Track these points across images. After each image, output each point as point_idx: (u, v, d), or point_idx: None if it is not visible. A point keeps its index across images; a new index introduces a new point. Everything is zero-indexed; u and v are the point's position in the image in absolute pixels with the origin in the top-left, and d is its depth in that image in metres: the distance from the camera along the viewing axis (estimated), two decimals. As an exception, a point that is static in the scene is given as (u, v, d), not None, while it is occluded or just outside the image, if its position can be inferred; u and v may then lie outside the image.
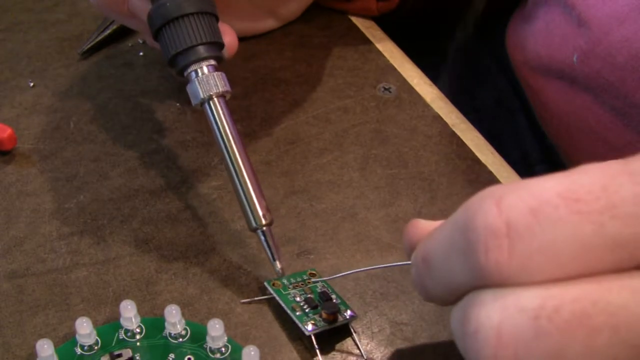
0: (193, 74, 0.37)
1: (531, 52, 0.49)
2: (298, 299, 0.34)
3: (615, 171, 0.24)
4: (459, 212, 0.25)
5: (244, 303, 0.35)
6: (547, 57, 0.47)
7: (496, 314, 0.23)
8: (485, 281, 0.24)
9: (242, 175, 0.35)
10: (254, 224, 0.35)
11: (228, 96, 0.37)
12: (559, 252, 0.23)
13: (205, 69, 0.37)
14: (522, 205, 0.23)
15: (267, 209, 0.35)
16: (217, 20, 0.38)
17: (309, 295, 0.34)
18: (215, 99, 0.36)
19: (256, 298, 0.35)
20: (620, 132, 0.43)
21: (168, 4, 0.37)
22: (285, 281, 0.35)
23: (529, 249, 0.23)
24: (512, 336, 0.23)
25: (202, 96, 0.36)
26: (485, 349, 0.23)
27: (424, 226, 0.30)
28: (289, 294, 0.34)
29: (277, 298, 0.34)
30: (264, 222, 0.35)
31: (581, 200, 0.23)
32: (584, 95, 0.44)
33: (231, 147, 0.36)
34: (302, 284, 0.35)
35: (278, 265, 0.35)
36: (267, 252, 0.35)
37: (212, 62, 0.37)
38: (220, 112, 0.36)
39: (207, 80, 0.36)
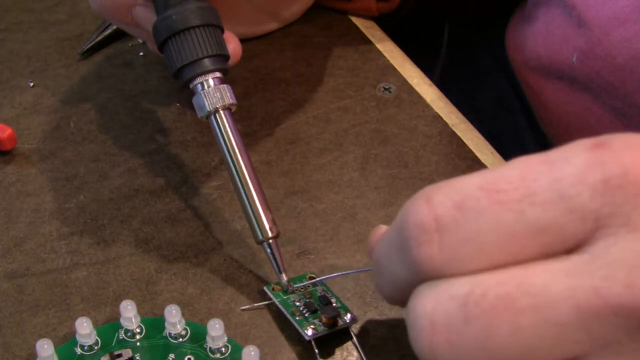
0: (199, 86, 0.37)
1: (531, 52, 0.49)
2: (298, 303, 0.34)
3: (535, 161, 0.25)
4: (399, 213, 0.26)
5: (244, 310, 0.35)
6: (547, 58, 0.47)
7: (430, 303, 0.25)
8: (421, 275, 0.25)
9: (249, 188, 0.35)
10: (260, 237, 0.35)
11: (234, 108, 0.37)
12: (484, 242, 0.24)
13: (211, 82, 0.37)
14: (448, 201, 0.25)
15: (274, 222, 0.35)
16: (222, 32, 0.38)
17: (308, 299, 0.34)
18: (222, 112, 0.36)
19: (255, 305, 0.35)
20: (620, 133, 0.43)
21: (174, 16, 0.37)
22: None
23: (457, 241, 0.24)
24: (444, 322, 0.24)
25: (208, 109, 0.36)
26: (422, 337, 0.25)
27: (382, 230, 0.31)
28: (289, 298, 0.34)
29: (277, 303, 0.34)
30: (270, 234, 0.35)
31: (501, 191, 0.24)
32: (583, 96, 0.44)
33: (237, 160, 0.36)
34: (302, 288, 0.35)
35: (284, 277, 0.35)
36: (274, 265, 0.35)
37: (218, 74, 0.37)
38: (227, 124, 0.36)
39: (213, 93, 0.36)
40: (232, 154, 0.36)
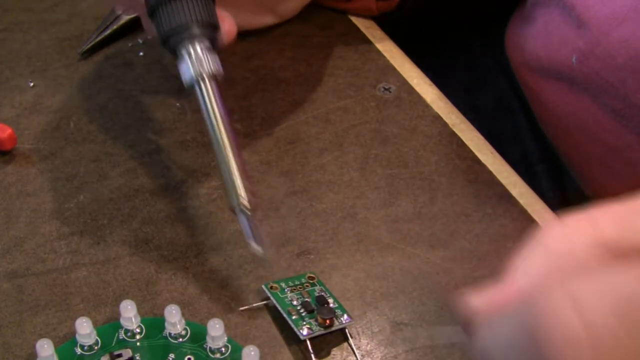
0: (185, 51, 0.36)
1: (530, 53, 0.48)
2: (295, 302, 0.34)
3: None
4: (525, 309, 0.23)
5: (242, 310, 0.35)
6: (546, 58, 0.47)
7: None
8: None
9: (229, 158, 0.35)
10: (233, 202, 0.34)
11: (220, 79, 0.36)
12: None
13: (198, 47, 0.36)
14: (605, 307, 0.21)
15: (253, 194, 0.34)
16: (214, 2, 0.37)
17: (306, 299, 0.34)
18: (207, 81, 0.35)
19: (254, 305, 0.35)
20: (619, 134, 0.43)
21: None
22: (283, 284, 0.35)
23: (615, 354, 0.21)
24: None
25: (192, 74, 0.35)
26: None
27: (482, 301, 0.26)
28: (286, 297, 0.34)
29: (274, 301, 0.34)
30: (244, 202, 0.34)
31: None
32: (583, 97, 0.44)
33: (219, 128, 0.35)
34: (300, 288, 0.35)
35: (254, 244, 0.34)
36: (245, 231, 0.34)
37: (206, 42, 0.36)
38: (211, 93, 0.35)
39: (198, 58, 0.35)
40: (214, 123, 0.35)
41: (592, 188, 0.51)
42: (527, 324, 0.22)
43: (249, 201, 0.34)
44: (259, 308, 0.35)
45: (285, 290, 0.35)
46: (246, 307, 0.35)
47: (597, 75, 0.42)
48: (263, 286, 0.35)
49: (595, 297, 0.21)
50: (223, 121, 0.35)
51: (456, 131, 0.44)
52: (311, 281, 0.35)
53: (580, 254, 0.24)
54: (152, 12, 0.37)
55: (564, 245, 0.24)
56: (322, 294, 0.35)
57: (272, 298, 0.34)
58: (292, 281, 0.35)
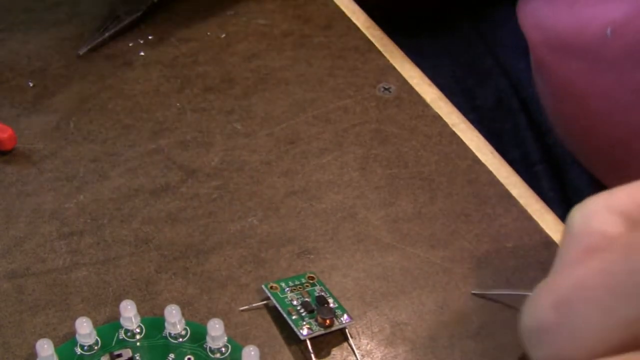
0: None
1: (550, 31, 0.47)
2: (295, 302, 0.34)
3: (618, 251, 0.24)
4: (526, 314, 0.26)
5: (242, 311, 0.35)
6: (572, 35, 0.45)
7: None
8: None
9: None
10: None
11: None
12: (585, 340, 0.24)
13: None
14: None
15: None
16: None
17: (306, 299, 0.34)
18: None
19: (254, 305, 0.35)
20: None
21: None
22: (283, 284, 0.35)
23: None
24: None
25: None
26: None
27: None
28: (286, 297, 0.34)
29: (274, 301, 0.34)
30: None
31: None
32: (608, 75, 0.43)
33: None
34: (300, 287, 0.35)
35: None
36: None
37: None
38: None
39: None
40: None
41: (606, 175, 0.50)
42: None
43: None
44: (259, 308, 0.35)
45: (285, 290, 0.35)
46: (246, 307, 0.35)
47: (633, 48, 0.41)
48: (263, 286, 0.35)
49: (544, 291, 0.25)
50: None
51: (456, 131, 0.44)
52: (311, 281, 0.35)
53: (599, 228, 0.26)
54: None
55: (583, 224, 0.27)
56: (322, 294, 0.35)
57: (272, 298, 0.34)
58: (292, 281, 0.35)
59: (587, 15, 0.44)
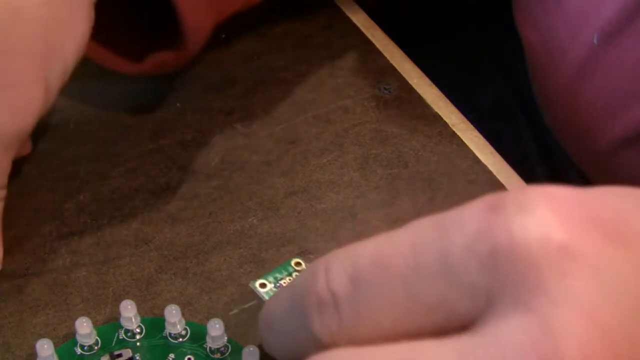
0: None
1: (544, 30, 0.46)
2: None
3: (429, 227, 0.23)
4: (299, 277, 0.25)
5: (233, 314, 0.35)
6: (565, 36, 0.44)
7: None
8: (321, 346, 0.24)
9: None
10: None
11: None
12: (378, 319, 0.23)
13: None
14: (344, 274, 0.23)
15: None
16: None
17: None
18: None
19: (246, 306, 0.35)
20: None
21: None
22: (270, 278, 0.34)
23: (353, 318, 0.23)
24: None
25: None
26: None
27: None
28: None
29: (265, 299, 0.33)
30: None
31: (392, 265, 0.23)
32: (595, 81, 0.43)
33: None
34: (290, 279, 0.34)
35: None
36: None
37: None
38: None
39: None
40: None
41: (598, 179, 0.50)
42: (297, 285, 0.25)
43: None
44: (258, 307, 0.35)
45: (277, 286, 0.34)
46: (237, 310, 0.35)
47: (621, 55, 0.40)
48: (251, 285, 0.34)
49: (339, 264, 0.24)
50: None
51: (456, 131, 0.44)
52: (298, 267, 0.35)
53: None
54: None
55: None
56: None
57: (263, 297, 0.33)
58: (280, 272, 0.34)
59: (575, 18, 0.43)
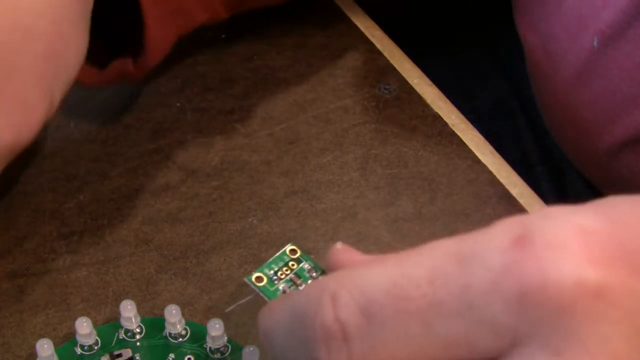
0: None
1: (544, 33, 0.46)
2: (282, 287, 0.32)
3: (446, 257, 0.22)
4: (300, 298, 0.24)
5: (228, 312, 0.34)
6: (565, 40, 0.44)
7: None
8: None
9: None
10: None
11: None
12: (392, 353, 0.22)
13: None
14: (353, 304, 0.22)
15: None
16: None
17: (294, 275, 0.32)
18: None
19: (241, 302, 0.35)
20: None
21: None
22: (266, 271, 0.32)
23: (365, 352, 0.22)
24: None
25: None
26: None
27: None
28: (275, 287, 0.32)
29: (262, 294, 0.32)
30: None
31: (408, 298, 0.21)
32: (594, 85, 0.42)
33: None
34: (287, 270, 0.32)
35: None
36: None
37: None
38: None
39: None
40: None
41: (597, 183, 0.50)
42: (299, 308, 0.24)
43: None
44: (258, 307, 0.35)
45: (273, 279, 0.32)
46: (232, 307, 0.34)
47: (620, 59, 0.40)
48: (246, 280, 0.32)
49: (347, 294, 0.22)
50: None
51: (456, 131, 0.44)
52: (294, 256, 0.33)
53: None
54: None
55: None
56: (315, 274, 0.32)
57: (259, 291, 0.32)
58: (276, 264, 0.33)
59: (576, 22, 0.43)
